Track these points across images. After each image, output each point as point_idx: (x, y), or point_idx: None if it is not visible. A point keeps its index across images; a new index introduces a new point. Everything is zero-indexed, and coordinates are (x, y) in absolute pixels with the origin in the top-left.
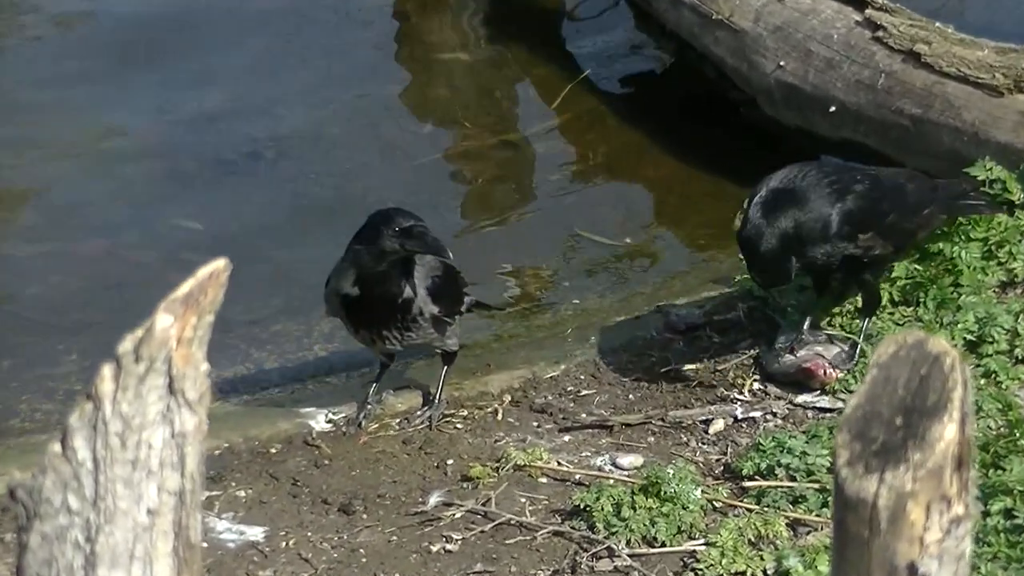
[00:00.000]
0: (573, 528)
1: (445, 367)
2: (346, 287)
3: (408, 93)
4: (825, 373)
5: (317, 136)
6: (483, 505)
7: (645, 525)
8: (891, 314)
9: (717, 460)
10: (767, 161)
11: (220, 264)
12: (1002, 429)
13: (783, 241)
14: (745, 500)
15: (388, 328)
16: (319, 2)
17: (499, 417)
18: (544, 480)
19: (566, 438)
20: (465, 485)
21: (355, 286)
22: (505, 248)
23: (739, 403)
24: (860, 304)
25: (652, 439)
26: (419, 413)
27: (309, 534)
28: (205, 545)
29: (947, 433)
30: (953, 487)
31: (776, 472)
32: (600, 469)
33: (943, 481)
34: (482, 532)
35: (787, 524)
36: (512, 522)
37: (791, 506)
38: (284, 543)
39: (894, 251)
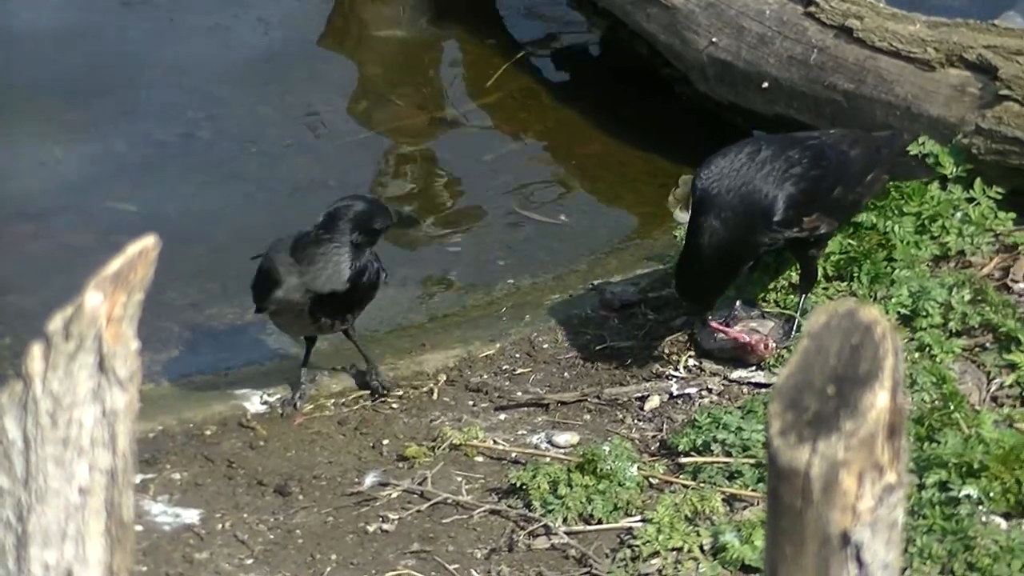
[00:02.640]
0: (510, 507)
1: (355, 336)
2: (336, 284)
3: (341, 71)
4: (766, 347)
5: (250, 115)
6: (419, 485)
7: (582, 503)
8: (825, 289)
9: (653, 437)
10: (702, 138)
11: (149, 241)
12: (936, 402)
13: (717, 265)
14: (681, 476)
15: (352, 310)
16: None
17: (434, 396)
18: (480, 459)
19: (502, 417)
20: (401, 465)
21: (348, 281)
22: (439, 227)
23: (674, 380)
24: (798, 279)
25: (588, 417)
26: (372, 376)
27: (245, 516)
28: (140, 528)
29: (879, 401)
30: (885, 455)
31: (712, 448)
32: (536, 447)
33: (875, 449)
34: (418, 512)
35: (723, 499)
36: (448, 501)
37: (727, 481)
38: (220, 525)
39: (839, 224)
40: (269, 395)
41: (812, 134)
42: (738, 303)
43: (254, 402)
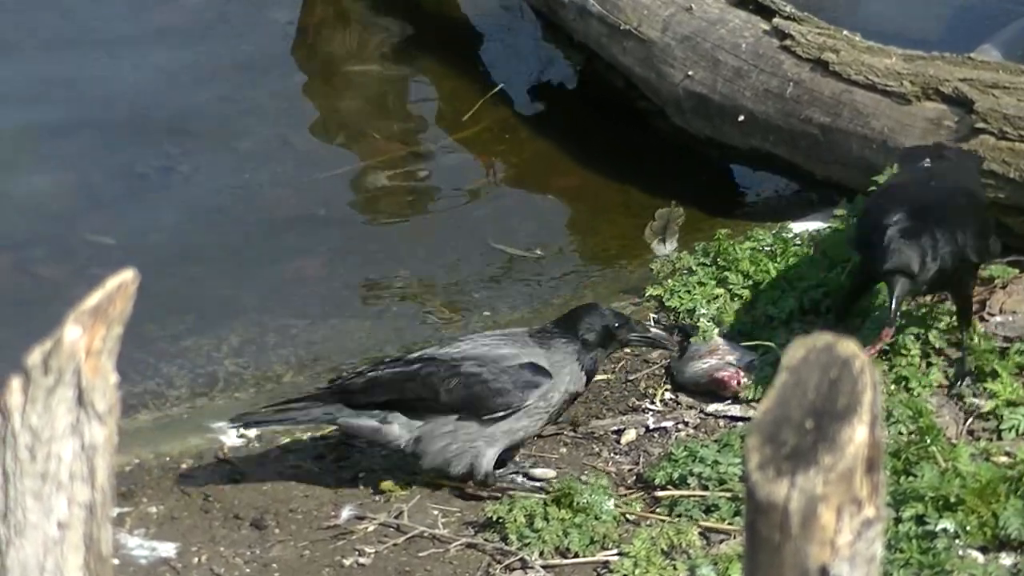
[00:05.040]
0: (486, 540)
1: None
2: (577, 386)
3: (318, 106)
4: (738, 383)
5: (228, 149)
6: (396, 518)
7: (558, 536)
8: (801, 322)
9: (629, 470)
10: (678, 170)
11: (128, 275)
12: (913, 436)
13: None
14: (658, 510)
15: None
16: (226, 16)
17: None
18: (456, 492)
19: None
20: (377, 498)
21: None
22: (417, 260)
23: (651, 413)
24: (957, 317)
25: (564, 450)
26: None
27: (221, 549)
28: (116, 562)
29: (857, 436)
30: (864, 490)
31: (688, 481)
32: (512, 481)
33: (854, 484)
34: (395, 545)
35: (700, 533)
36: (425, 535)
37: (704, 515)
38: (196, 559)
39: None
40: (245, 428)
41: None
42: (716, 336)
43: (231, 435)
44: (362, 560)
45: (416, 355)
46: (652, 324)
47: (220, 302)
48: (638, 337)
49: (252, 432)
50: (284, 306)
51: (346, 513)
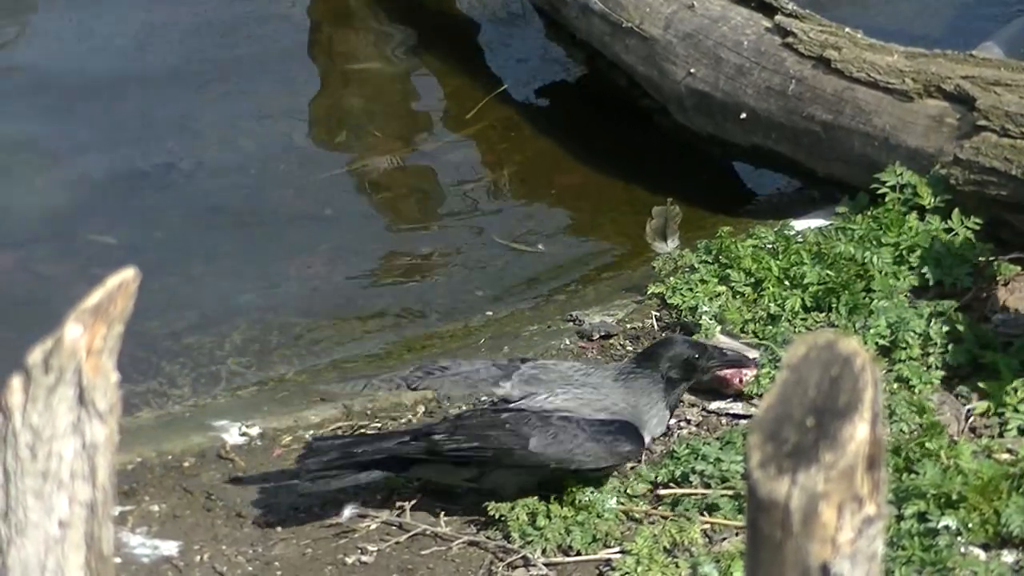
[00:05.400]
0: (488, 538)
1: None
2: (661, 429)
3: (321, 103)
4: (740, 380)
5: (230, 147)
6: (398, 516)
7: (560, 534)
8: (803, 320)
9: (632, 468)
10: (680, 168)
11: (129, 274)
12: (915, 433)
13: None
14: (660, 508)
15: None
16: (229, 13)
17: None
18: (459, 490)
19: None
20: (379, 496)
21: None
22: (419, 258)
23: None
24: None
25: None
26: None
27: (224, 548)
28: (119, 560)
29: (858, 433)
30: (865, 487)
31: (691, 479)
32: None
33: (855, 481)
34: (397, 543)
35: (702, 531)
36: (427, 533)
37: (706, 513)
38: (199, 557)
39: None
40: (248, 426)
41: None
42: (718, 333)
43: (233, 434)
44: (364, 558)
45: (514, 405)
46: (655, 323)
47: (222, 301)
48: (718, 363)
49: (255, 430)
50: (286, 305)
51: (348, 511)
